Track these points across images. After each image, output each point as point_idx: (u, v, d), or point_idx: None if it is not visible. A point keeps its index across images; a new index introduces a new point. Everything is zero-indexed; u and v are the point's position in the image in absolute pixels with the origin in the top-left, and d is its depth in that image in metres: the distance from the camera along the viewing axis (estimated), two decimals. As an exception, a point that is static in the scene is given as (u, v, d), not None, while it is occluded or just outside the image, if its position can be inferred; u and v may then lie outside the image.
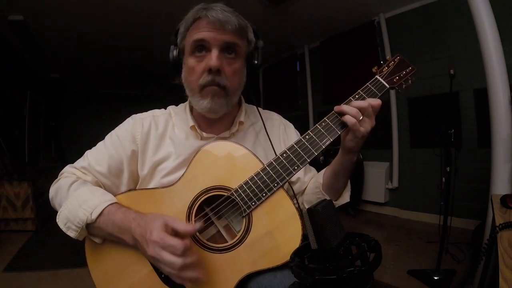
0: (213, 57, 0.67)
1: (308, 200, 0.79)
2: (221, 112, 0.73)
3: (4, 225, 2.94)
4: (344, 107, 0.65)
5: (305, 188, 0.83)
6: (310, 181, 0.83)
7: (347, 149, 0.68)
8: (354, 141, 0.65)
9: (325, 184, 0.76)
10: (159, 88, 5.26)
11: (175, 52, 0.75)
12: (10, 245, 2.59)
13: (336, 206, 0.76)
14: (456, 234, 2.35)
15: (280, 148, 0.81)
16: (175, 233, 0.57)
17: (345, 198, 0.78)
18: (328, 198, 0.75)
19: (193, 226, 0.58)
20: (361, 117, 0.63)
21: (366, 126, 0.64)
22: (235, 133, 0.80)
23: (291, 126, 0.89)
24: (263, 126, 0.79)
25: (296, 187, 0.82)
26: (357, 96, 0.69)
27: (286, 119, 0.91)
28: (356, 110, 0.63)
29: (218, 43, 0.68)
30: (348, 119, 0.63)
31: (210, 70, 0.68)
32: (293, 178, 0.80)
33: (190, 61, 0.71)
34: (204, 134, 0.77)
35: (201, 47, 0.69)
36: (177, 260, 0.54)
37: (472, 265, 1.96)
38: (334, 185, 0.75)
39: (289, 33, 3.94)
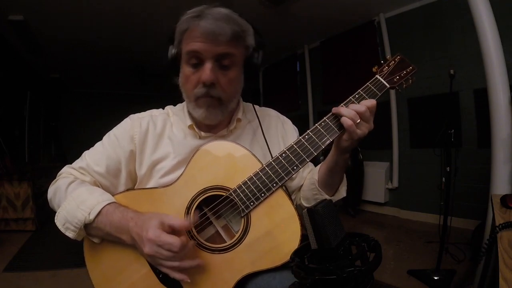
0: (207, 71, 0.66)
1: (305, 196, 0.79)
2: (216, 120, 0.73)
3: (4, 225, 2.94)
4: (341, 109, 0.64)
5: (302, 184, 0.83)
6: (307, 177, 0.82)
7: (341, 148, 0.68)
8: (349, 142, 0.65)
9: (320, 181, 0.75)
10: (159, 88, 5.26)
11: (174, 52, 0.73)
12: (10, 245, 2.58)
13: (334, 201, 0.76)
14: (456, 234, 2.34)
15: (279, 145, 0.81)
16: (172, 231, 0.58)
17: (342, 193, 0.78)
18: (324, 194, 0.75)
19: (189, 220, 0.59)
20: (359, 121, 0.63)
21: (363, 129, 0.64)
22: (233, 131, 0.79)
23: (288, 122, 0.89)
24: (262, 124, 0.79)
25: (295, 183, 0.82)
26: (357, 95, 0.68)
27: None
28: (354, 113, 0.63)
29: (211, 55, 0.66)
30: (345, 121, 0.63)
31: (204, 83, 0.68)
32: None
33: (185, 70, 0.71)
34: (203, 133, 0.77)
35: (195, 58, 0.68)
36: (176, 241, 0.55)
37: (473, 265, 1.96)
38: (329, 181, 0.74)
39: (289, 33, 3.93)
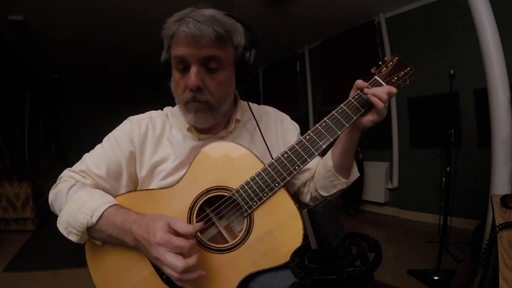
0: (192, 76, 0.66)
1: (322, 185, 0.78)
2: (207, 124, 0.73)
3: (4, 225, 2.94)
4: (377, 90, 0.67)
5: (313, 175, 0.82)
6: (318, 167, 0.82)
7: (362, 128, 0.70)
8: (375, 122, 0.68)
9: (335, 165, 0.76)
10: (159, 88, 5.26)
11: (165, 57, 0.73)
12: (10, 245, 2.58)
13: (349, 184, 0.78)
14: (456, 234, 2.35)
15: (278, 143, 0.81)
16: (177, 234, 0.57)
17: (355, 173, 0.79)
18: (341, 178, 0.76)
19: (193, 227, 0.58)
20: (387, 104, 0.67)
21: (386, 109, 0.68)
22: (232, 132, 0.79)
23: (287, 119, 0.89)
24: (260, 122, 0.79)
25: (305, 176, 0.82)
26: (356, 96, 0.69)
27: None
28: (386, 95, 0.66)
29: (196, 59, 0.65)
30: (378, 103, 0.66)
31: (190, 88, 0.67)
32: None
33: (175, 75, 0.71)
34: (202, 135, 0.77)
35: (182, 63, 0.67)
36: (180, 263, 0.53)
37: (473, 265, 1.96)
38: (345, 163, 0.76)
39: (289, 33, 3.93)
